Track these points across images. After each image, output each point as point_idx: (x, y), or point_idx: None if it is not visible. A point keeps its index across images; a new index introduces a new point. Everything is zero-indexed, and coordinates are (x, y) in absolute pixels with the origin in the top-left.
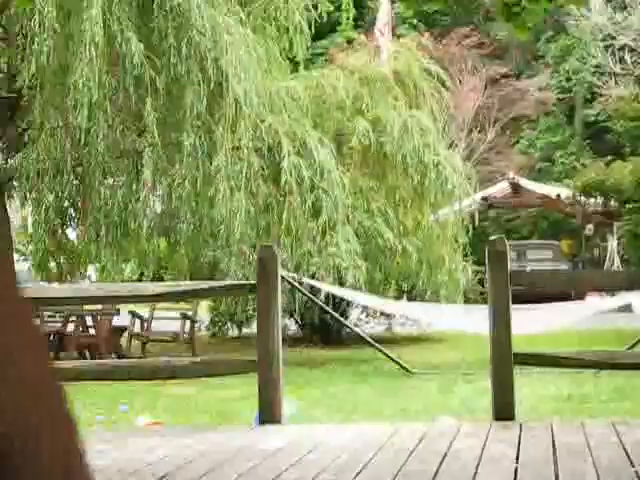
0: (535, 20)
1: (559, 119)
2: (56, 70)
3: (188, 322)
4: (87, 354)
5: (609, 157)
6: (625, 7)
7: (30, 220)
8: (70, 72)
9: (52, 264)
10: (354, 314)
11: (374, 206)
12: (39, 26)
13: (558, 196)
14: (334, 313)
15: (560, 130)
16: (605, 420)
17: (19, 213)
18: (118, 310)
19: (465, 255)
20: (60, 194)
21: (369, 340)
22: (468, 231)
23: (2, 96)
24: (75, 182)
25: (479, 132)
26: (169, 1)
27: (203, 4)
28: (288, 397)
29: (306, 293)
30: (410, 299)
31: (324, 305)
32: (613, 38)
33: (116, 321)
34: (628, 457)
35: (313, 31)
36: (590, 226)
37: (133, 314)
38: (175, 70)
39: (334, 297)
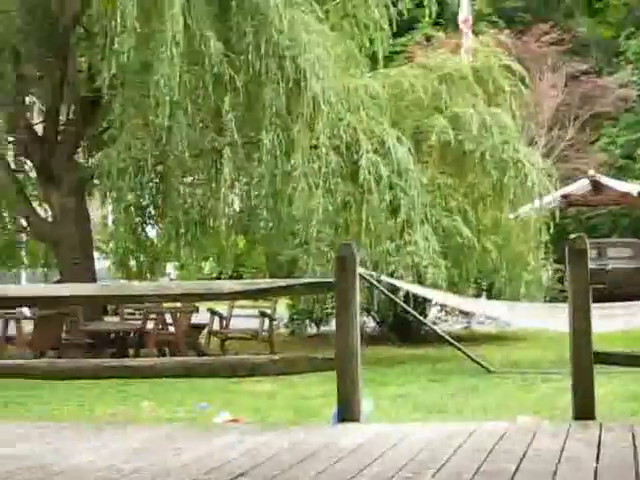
0: (617, 16)
1: None
2: (137, 69)
3: (267, 320)
4: (166, 351)
5: None
6: None
7: (110, 218)
8: (151, 71)
9: (132, 262)
10: (432, 312)
11: (453, 204)
12: (120, 26)
13: (639, 194)
14: (413, 311)
15: None
16: None
17: (99, 211)
18: (197, 308)
19: (545, 253)
20: (140, 192)
21: (448, 338)
22: (549, 228)
23: (84, 95)
24: (155, 180)
25: (559, 130)
26: (248, 0)
27: (281, 3)
28: (366, 395)
29: (384, 291)
30: (489, 297)
31: (402, 303)
32: None
33: (195, 319)
34: None
35: (394, 28)
36: None
37: (212, 312)
38: (254, 68)
39: (413, 295)
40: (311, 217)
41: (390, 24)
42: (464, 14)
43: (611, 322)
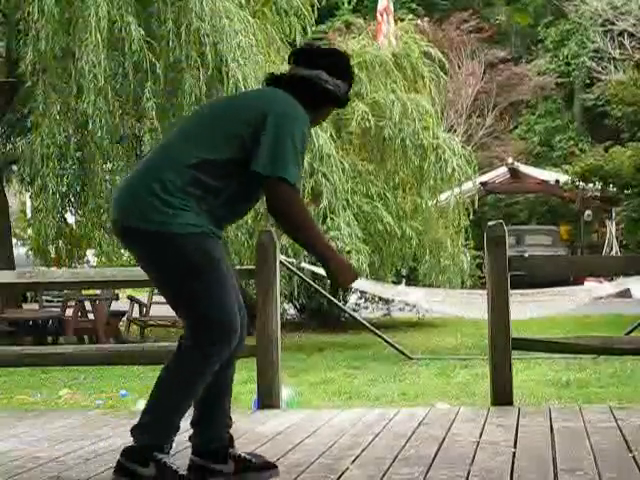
0: (535, 4)
1: (558, 104)
2: (58, 55)
3: None
4: (86, 339)
5: (608, 142)
6: None
7: (29, 205)
8: (74, 57)
9: (51, 249)
10: (352, 299)
11: (373, 190)
12: (38, 11)
13: (557, 181)
14: (333, 298)
15: (559, 115)
16: (603, 405)
17: (17, 197)
18: (117, 295)
19: (466, 239)
20: (61, 179)
21: (368, 325)
22: (469, 215)
23: (2, 81)
24: (74, 167)
25: (478, 117)
26: None
27: None
28: (286, 382)
29: (304, 277)
30: (409, 284)
31: (322, 290)
32: (612, 23)
33: (115, 306)
34: (626, 442)
35: (315, 14)
36: (589, 211)
37: (132, 299)
38: (174, 55)
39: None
40: None
41: (312, 11)
42: (384, 1)
43: (529, 309)
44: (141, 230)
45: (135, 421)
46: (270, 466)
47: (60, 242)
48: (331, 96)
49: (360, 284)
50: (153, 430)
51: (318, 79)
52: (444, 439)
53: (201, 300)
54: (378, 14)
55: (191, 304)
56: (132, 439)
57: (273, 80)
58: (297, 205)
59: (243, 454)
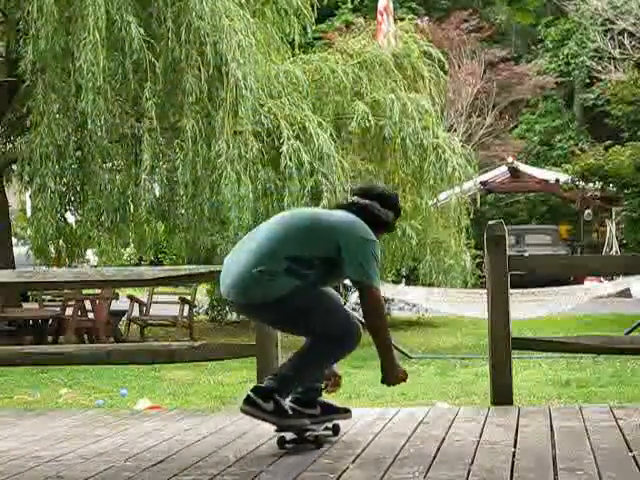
0: (536, 3)
1: (558, 103)
2: (57, 55)
3: (187, 306)
4: (86, 338)
5: (608, 142)
6: None
7: (29, 204)
8: (72, 56)
9: (51, 248)
10: (352, 299)
11: None
12: (37, 10)
13: (557, 181)
14: None
15: (559, 114)
16: (603, 405)
17: (16, 197)
18: (117, 294)
19: (468, 239)
20: (60, 178)
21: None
22: (469, 214)
23: (1, 81)
24: (74, 166)
25: (478, 117)
26: None
27: None
28: None
29: None
30: (409, 283)
31: None
32: (612, 23)
33: (115, 305)
34: (626, 442)
35: (315, 14)
36: (589, 211)
37: (132, 298)
38: (174, 55)
39: None
40: (232, 204)
41: (312, 10)
42: (384, 1)
43: (529, 308)
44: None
45: (135, 421)
46: (346, 410)
47: (60, 241)
48: (382, 221)
49: None
50: (280, 382)
51: (372, 207)
52: (444, 439)
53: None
54: (378, 14)
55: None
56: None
57: (343, 206)
58: (382, 305)
59: (325, 401)
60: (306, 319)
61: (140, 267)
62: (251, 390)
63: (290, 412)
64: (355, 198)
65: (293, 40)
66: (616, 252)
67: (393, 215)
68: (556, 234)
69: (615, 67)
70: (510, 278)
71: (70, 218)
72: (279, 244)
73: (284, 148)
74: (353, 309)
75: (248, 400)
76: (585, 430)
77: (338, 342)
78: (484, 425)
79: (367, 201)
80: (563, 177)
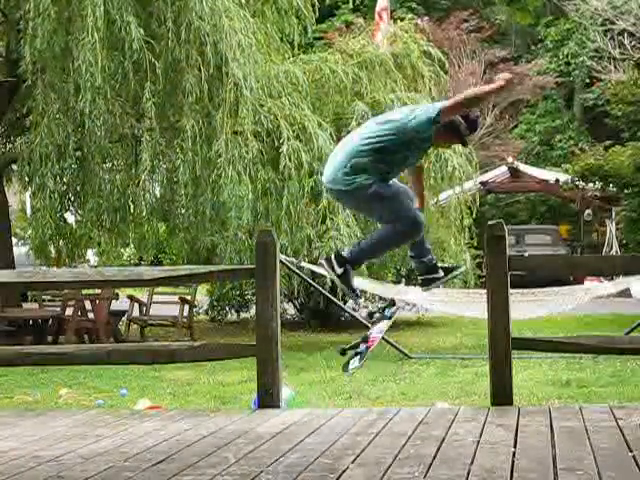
0: (536, 4)
1: (558, 103)
2: (57, 55)
3: (187, 306)
4: (86, 338)
5: (608, 142)
6: None
7: (29, 204)
8: (72, 56)
9: (51, 248)
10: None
11: None
12: (34, 10)
13: (557, 181)
14: (333, 297)
15: (559, 114)
16: (603, 405)
17: (16, 197)
18: (117, 294)
19: (472, 238)
20: (60, 178)
21: (368, 325)
22: (471, 214)
23: (1, 81)
24: (74, 166)
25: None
26: None
27: None
28: (286, 381)
29: (304, 277)
30: (409, 283)
31: (322, 289)
32: (612, 23)
33: (115, 305)
34: (626, 442)
35: (316, 14)
36: (589, 211)
37: (132, 298)
38: (174, 55)
39: (332, 281)
40: (232, 204)
41: (312, 10)
42: (383, 1)
43: (529, 308)
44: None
45: (135, 421)
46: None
47: (60, 241)
48: (455, 125)
49: (360, 283)
50: (356, 254)
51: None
52: (444, 439)
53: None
54: (377, 14)
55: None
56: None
57: None
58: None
59: (446, 264)
60: (379, 208)
61: (140, 267)
62: (334, 253)
63: (351, 284)
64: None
65: (293, 40)
66: (616, 252)
67: (466, 125)
68: (556, 234)
69: (615, 67)
70: (510, 278)
71: (70, 218)
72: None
73: (284, 148)
74: (353, 309)
75: (327, 258)
76: (585, 430)
77: (402, 228)
78: (484, 425)
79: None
80: (563, 177)
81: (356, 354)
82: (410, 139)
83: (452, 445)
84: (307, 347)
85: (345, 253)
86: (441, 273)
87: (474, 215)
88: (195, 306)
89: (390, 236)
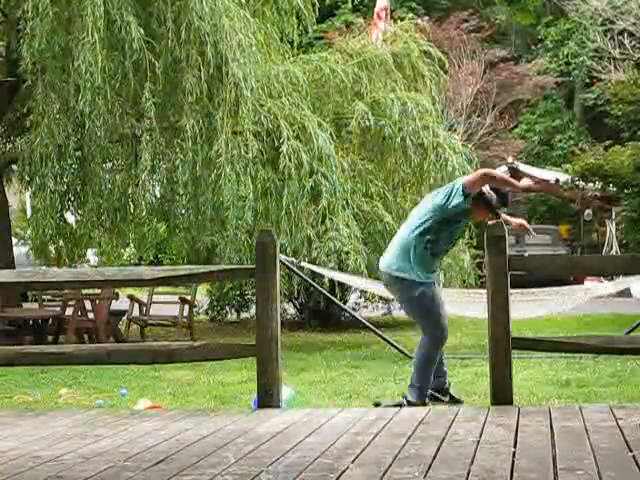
0: (536, 4)
1: (558, 103)
2: (57, 54)
3: (187, 306)
4: (86, 338)
5: (608, 141)
6: None
7: (29, 204)
8: (71, 56)
9: (51, 248)
10: (352, 298)
11: (373, 189)
12: (32, 10)
13: (557, 181)
14: (333, 297)
15: (559, 114)
16: (603, 404)
17: (16, 197)
18: (117, 294)
19: (471, 238)
20: (60, 178)
21: (368, 325)
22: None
23: (1, 80)
24: (74, 166)
25: (478, 117)
26: None
27: None
28: (286, 381)
29: (303, 276)
30: None
31: (322, 289)
32: (612, 22)
33: (115, 305)
34: (626, 442)
35: (316, 14)
36: (589, 211)
37: (132, 298)
38: (174, 55)
39: (332, 281)
40: (232, 204)
41: (312, 10)
42: (382, 3)
43: (529, 308)
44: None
45: (135, 421)
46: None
47: (60, 241)
48: (487, 200)
49: (360, 283)
50: (425, 382)
51: (486, 191)
52: (444, 439)
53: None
54: (376, 14)
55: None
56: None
57: None
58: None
59: (453, 393)
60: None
61: (140, 267)
62: (429, 398)
63: (454, 396)
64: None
65: (293, 40)
66: (616, 252)
67: (497, 198)
68: (556, 234)
69: (615, 67)
70: (510, 278)
71: (70, 218)
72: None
73: (284, 148)
74: (353, 309)
75: (432, 397)
76: (585, 430)
77: (433, 337)
78: (484, 425)
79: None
80: (563, 177)
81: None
82: (450, 217)
83: (452, 445)
84: (307, 347)
85: (430, 389)
86: (447, 399)
87: None
88: (195, 306)
89: (428, 350)
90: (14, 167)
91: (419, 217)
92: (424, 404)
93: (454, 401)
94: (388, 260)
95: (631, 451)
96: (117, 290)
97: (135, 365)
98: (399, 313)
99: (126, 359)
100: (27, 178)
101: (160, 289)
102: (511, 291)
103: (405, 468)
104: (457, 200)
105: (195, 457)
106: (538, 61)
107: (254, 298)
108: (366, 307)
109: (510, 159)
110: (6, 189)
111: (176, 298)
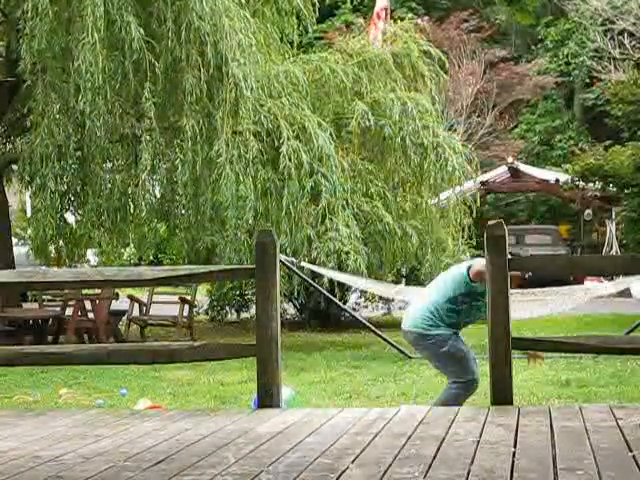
0: (535, 4)
1: (558, 103)
2: (57, 55)
3: (187, 306)
4: (86, 338)
5: (608, 141)
6: None
7: (29, 204)
8: (72, 56)
9: (51, 248)
10: (352, 298)
11: (373, 189)
12: (32, 10)
13: (557, 181)
14: (333, 298)
15: (559, 114)
16: (603, 404)
17: (16, 197)
18: (117, 294)
19: (469, 239)
20: (60, 178)
21: (368, 325)
22: (471, 213)
23: (1, 80)
24: (74, 166)
25: (478, 116)
26: None
27: None
28: (286, 381)
29: (303, 277)
30: (409, 283)
31: (322, 289)
32: (612, 22)
33: (115, 305)
34: (626, 441)
35: (316, 14)
36: (589, 211)
37: (132, 298)
38: (174, 55)
39: (332, 281)
40: (232, 204)
41: (312, 10)
42: (382, 3)
43: (529, 308)
44: None
45: (135, 421)
46: None
47: (60, 241)
48: None
49: (360, 283)
50: None
51: None
52: (444, 439)
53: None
54: (375, 14)
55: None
56: None
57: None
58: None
59: None
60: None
61: (140, 267)
62: None
63: None
64: None
65: (293, 40)
66: (616, 252)
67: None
68: (556, 234)
69: (615, 67)
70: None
71: (70, 218)
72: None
73: (284, 148)
74: (353, 309)
75: None
76: (585, 430)
77: (463, 390)
78: (484, 425)
79: None
80: (563, 177)
81: None
82: (469, 292)
83: (452, 445)
84: (307, 347)
85: None
86: None
87: (474, 215)
88: (195, 306)
89: (452, 399)
90: (14, 167)
91: (445, 286)
92: None
93: None
94: (414, 320)
95: (631, 451)
96: (117, 290)
97: (135, 365)
98: (399, 313)
99: (126, 359)
100: (27, 178)
101: (160, 289)
102: (511, 291)
103: (405, 468)
104: (467, 287)
105: (195, 457)
106: (538, 61)
107: (254, 298)
108: (366, 307)
109: (510, 159)
110: (6, 189)
111: (176, 298)
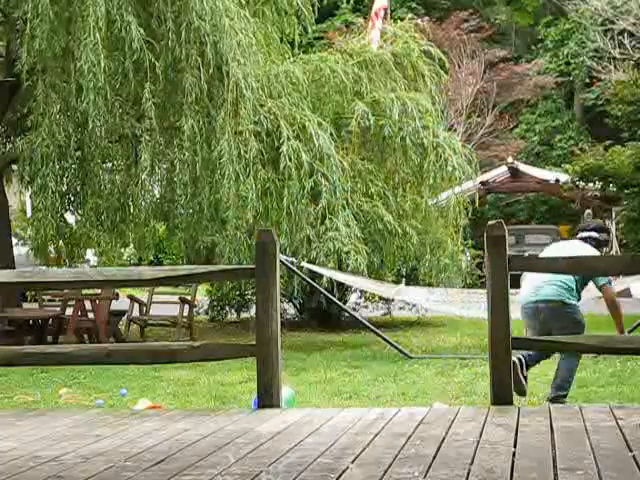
0: (534, 4)
1: (558, 103)
2: (58, 55)
3: (187, 306)
4: (86, 338)
5: (608, 142)
6: None
7: (29, 204)
8: (72, 57)
9: (51, 248)
10: (352, 298)
11: (373, 189)
12: (32, 10)
13: (557, 181)
14: (333, 298)
15: (559, 114)
16: (603, 404)
17: (16, 197)
18: (117, 294)
19: (465, 239)
20: (61, 178)
21: (368, 325)
22: (468, 213)
23: (2, 80)
24: (74, 166)
25: (478, 116)
26: None
27: None
28: (286, 381)
29: (303, 277)
30: (409, 283)
31: (322, 289)
32: (612, 22)
33: (115, 305)
34: (626, 442)
35: (316, 14)
36: (589, 211)
37: (132, 298)
38: (174, 55)
39: (330, 281)
40: (231, 204)
41: (312, 10)
42: (381, 3)
43: None
44: None
45: (135, 421)
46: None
47: (60, 241)
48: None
49: (360, 283)
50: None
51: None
52: (444, 439)
53: None
54: (374, 14)
55: None
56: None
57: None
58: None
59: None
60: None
61: (140, 267)
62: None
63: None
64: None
65: (293, 40)
66: (616, 252)
67: (605, 235)
68: (556, 234)
69: (615, 67)
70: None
71: (70, 218)
72: None
73: (284, 148)
74: (353, 309)
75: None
76: (585, 430)
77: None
78: (484, 425)
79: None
80: (563, 177)
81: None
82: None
83: (452, 445)
84: (307, 347)
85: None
86: (524, 377)
87: (472, 215)
88: (195, 306)
89: (573, 366)
90: (14, 167)
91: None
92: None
93: (520, 387)
94: (556, 289)
95: (631, 451)
96: (117, 290)
97: (135, 365)
98: (399, 313)
99: (126, 359)
100: (27, 178)
101: (160, 289)
102: (511, 291)
103: (405, 468)
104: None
105: (195, 457)
106: (538, 61)
107: (254, 298)
108: (366, 307)
109: (510, 159)
110: (6, 189)
111: (176, 298)
